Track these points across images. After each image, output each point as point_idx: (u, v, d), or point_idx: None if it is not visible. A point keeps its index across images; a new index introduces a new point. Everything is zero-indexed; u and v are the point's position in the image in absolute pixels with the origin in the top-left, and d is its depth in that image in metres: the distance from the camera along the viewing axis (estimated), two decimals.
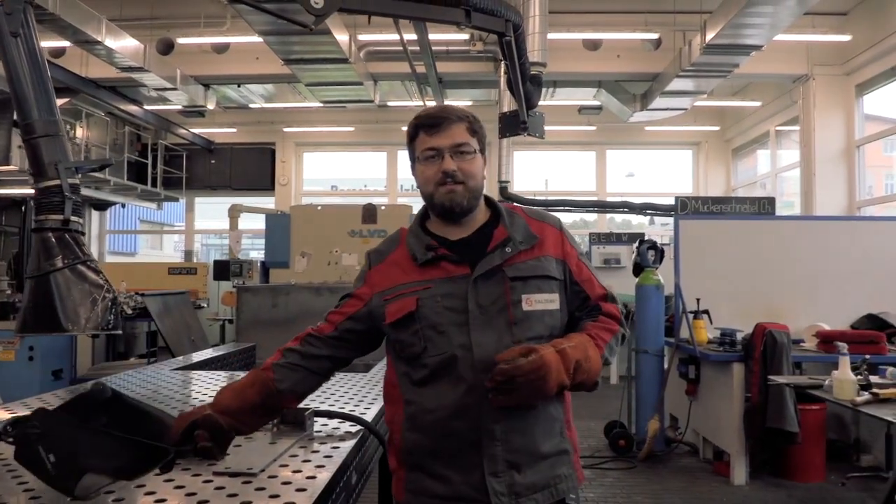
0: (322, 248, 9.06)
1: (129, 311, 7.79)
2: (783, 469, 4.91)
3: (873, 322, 5.35)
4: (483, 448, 1.54)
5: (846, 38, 9.79)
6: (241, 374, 3.54)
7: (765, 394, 4.58)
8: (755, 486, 4.77)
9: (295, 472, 1.68)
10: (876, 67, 9.73)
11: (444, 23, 2.81)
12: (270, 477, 1.66)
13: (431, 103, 11.10)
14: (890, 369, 2.96)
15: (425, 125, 1.67)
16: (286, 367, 1.69)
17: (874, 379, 3.04)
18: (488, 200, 1.77)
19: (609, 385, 9.01)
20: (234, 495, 1.53)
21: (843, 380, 2.92)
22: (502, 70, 7.31)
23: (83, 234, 2.22)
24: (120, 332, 2.12)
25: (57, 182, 2.15)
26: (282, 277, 8.87)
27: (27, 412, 1.47)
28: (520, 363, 1.42)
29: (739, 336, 5.00)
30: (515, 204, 1.77)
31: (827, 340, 4.77)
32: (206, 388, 2.89)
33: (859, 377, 3.02)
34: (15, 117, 2.13)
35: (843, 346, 3.16)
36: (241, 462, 1.79)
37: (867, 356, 3.30)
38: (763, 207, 6.13)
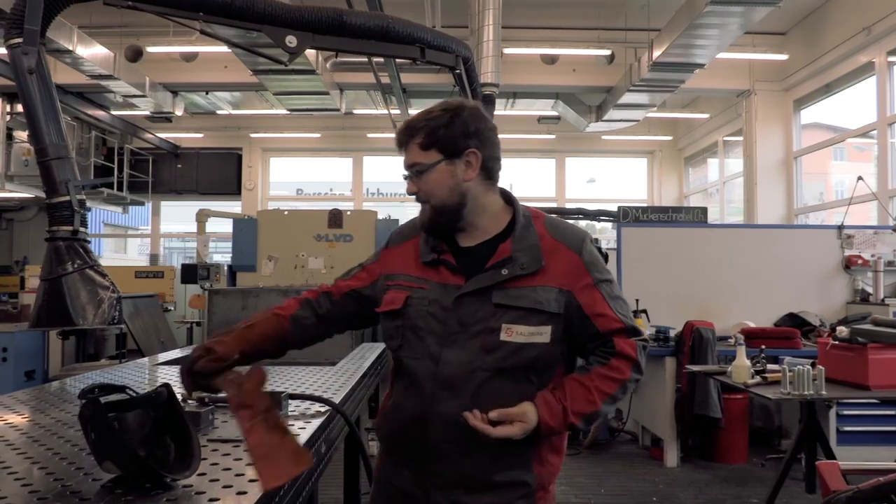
0: (289, 252, 9.27)
1: None
2: (711, 452, 5.43)
3: (794, 320, 5.93)
4: (427, 463, 1.54)
5: (784, 57, 10.50)
6: None
7: (692, 384, 5.10)
8: (686, 467, 5.29)
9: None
10: (812, 84, 10.47)
11: (401, 58, 3.22)
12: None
13: (396, 112, 11.50)
14: (787, 359, 3.46)
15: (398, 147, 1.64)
16: (302, 323, 1.73)
17: (772, 366, 3.54)
18: (511, 203, 1.66)
19: None
20: (227, 454, 1.94)
21: (739, 366, 3.44)
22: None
23: (89, 241, 2.58)
24: (122, 325, 2.48)
25: (67, 198, 2.50)
26: (249, 281, 9.08)
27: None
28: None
29: (672, 333, 5.52)
30: (541, 211, 1.68)
31: (750, 337, 5.29)
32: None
33: (757, 365, 3.54)
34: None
35: (740, 338, 3.67)
36: (231, 432, 2.20)
37: (763, 347, 3.83)
38: (697, 216, 6.69)
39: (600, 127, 12.45)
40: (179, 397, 1.91)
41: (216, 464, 1.86)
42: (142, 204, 15.83)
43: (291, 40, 2.89)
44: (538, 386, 1.53)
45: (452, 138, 1.55)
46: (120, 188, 14.35)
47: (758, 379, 3.41)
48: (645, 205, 15.55)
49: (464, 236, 1.62)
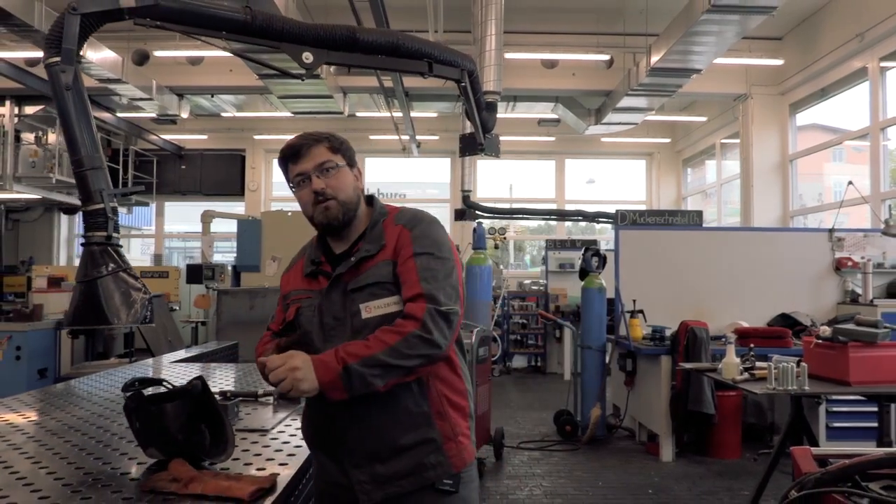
0: (292, 253, 9.38)
1: None
2: (705, 448, 5.62)
3: (786, 320, 6.12)
4: (341, 448, 1.71)
5: (780, 62, 10.70)
6: (229, 366, 4.09)
7: (687, 381, 5.29)
8: (680, 462, 5.48)
9: (291, 435, 2.26)
10: (807, 88, 10.67)
11: (409, 72, 3.41)
12: (279, 432, 2.27)
13: (398, 114, 11.68)
14: (775, 356, 3.64)
15: (289, 156, 1.77)
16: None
17: (761, 364, 3.73)
18: (373, 202, 1.86)
19: (563, 381, 9.70)
20: (256, 442, 2.13)
21: (729, 363, 3.63)
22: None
23: (122, 246, 2.76)
24: (153, 324, 2.66)
25: (101, 206, 2.68)
26: (253, 281, 9.23)
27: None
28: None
29: (668, 332, 5.71)
30: (396, 207, 1.86)
31: (744, 336, 5.49)
32: (214, 375, 3.46)
33: (746, 362, 3.73)
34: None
35: (731, 337, 3.86)
36: (254, 422, 2.40)
37: (752, 346, 4.02)
38: (693, 219, 6.89)
39: (599, 130, 12.64)
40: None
41: (247, 450, 2.06)
42: (146, 205, 16.01)
43: (308, 56, 3.08)
44: None
45: (350, 151, 1.82)
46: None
47: (746, 375, 3.61)
48: (644, 206, 15.75)
49: (340, 242, 1.81)
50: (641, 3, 9.78)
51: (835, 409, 5.14)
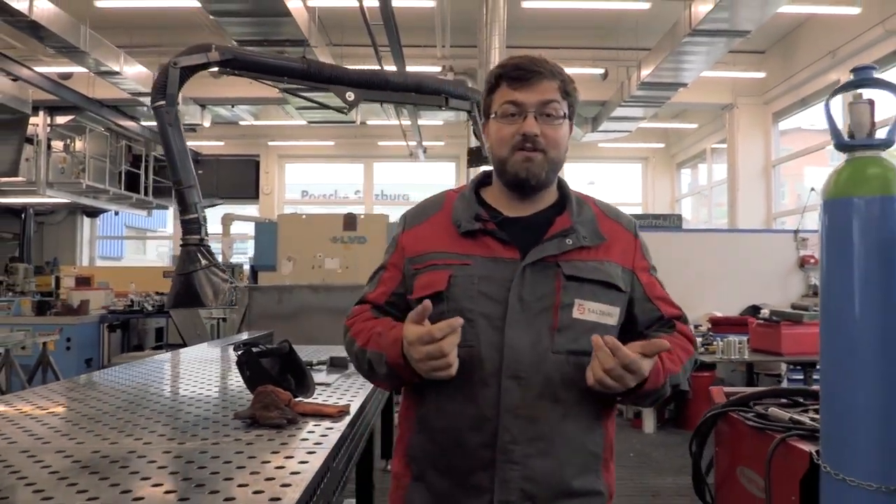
0: (306, 254, 10.12)
1: (150, 308, 9.02)
2: (682, 422, 6.38)
3: (755, 311, 6.90)
4: (496, 470, 1.30)
5: (762, 74, 11.49)
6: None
7: None
8: (660, 434, 6.25)
9: (346, 390, 3.05)
10: (789, 98, 11.44)
11: (429, 106, 4.20)
12: (335, 388, 3.06)
13: (406, 122, 12.46)
14: (729, 337, 4.45)
15: (511, 77, 1.39)
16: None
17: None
18: (559, 181, 1.49)
19: None
20: (323, 391, 2.92)
21: None
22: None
23: (209, 246, 3.56)
24: (237, 305, 3.45)
25: (195, 216, 3.49)
26: (269, 280, 9.91)
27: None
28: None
29: None
30: (588, 195, 1.53)
31: (716, 323, 6.27)
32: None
33: (703, 340, 4.57)
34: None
35: (706, 325, 4.70)
36: (317, 379, 3.19)
37: (709, 328, 4.86)
38: (673, 222, 7.69)
39: (595, 137, 13.42)
40: None
41: (319, 394, 2.85)
42: (166, 208, 16.80)
43: (350, 95, 3.87)
44: None
45: (576, 102, 1.45)
46: (146, 193, 15.34)
47: (703, 350, 4.44)
48: (640, 207, 16.56)
49: (518, 205, 1.44)
50: (633, 21, 10.56)
51: (795, 385, 5.93)
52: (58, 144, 13.35)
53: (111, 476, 1.49)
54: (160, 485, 1.44)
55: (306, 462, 1.63)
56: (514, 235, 1.38)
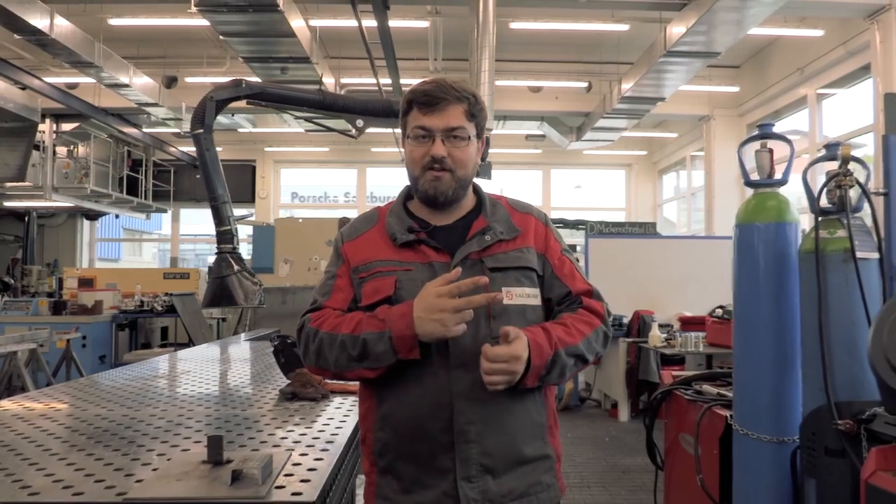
0: (303, 256, 10.62)
1: (160, 308, 9.55)
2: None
3: (723, 311, 7.54)
4: (456, 451, 1.43)
5: (736, 89, 12.18)
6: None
7: (638, 357, 6.70)
8: (634, 422, 6.87)
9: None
10: (762, 111, 12.12)
11: None
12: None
13: (399, 130, 13.01)
14: (690, 334, 5.08)
15: (420, 102, 1.50)
16: None
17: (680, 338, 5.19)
18: (475, 188, 1.65)
19: None
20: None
21: (653, 335, 5.12)
22: None
23: (241, 254, 4.13)
24: (265, 305, 4.03)
25: (229, 227, 4.06)
26: (267, 282, 10.33)
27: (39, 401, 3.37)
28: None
29: (625, 320, 7.13)
30: (500, 195, 1.70)
31: (685, 322, 6.89)
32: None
33: (667, 336, 5.19)
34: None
35: (654, 317, 5.31)
36: None
37: (672, 325, 5.48)
38: (648, 229, 8.32)
39: (580, 146, 14.07)
40: None
41: None
42: (164, 211, 17.26)
43: (360, 122, 4.47)
44: None
45: (484, 120, 1.57)
46: (146, 196, 15.82)
47: (664, 344, 5.07)
48: (624, 213, 17.25)
49: (440, 215, 1.58)
50: (615, 38, 11.20)
51: None
52: (62, 150, 13.80)
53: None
54: (261, 431, 2.04)
55: (344, 421, 2.23)
56: (443, 241, 1.53)
